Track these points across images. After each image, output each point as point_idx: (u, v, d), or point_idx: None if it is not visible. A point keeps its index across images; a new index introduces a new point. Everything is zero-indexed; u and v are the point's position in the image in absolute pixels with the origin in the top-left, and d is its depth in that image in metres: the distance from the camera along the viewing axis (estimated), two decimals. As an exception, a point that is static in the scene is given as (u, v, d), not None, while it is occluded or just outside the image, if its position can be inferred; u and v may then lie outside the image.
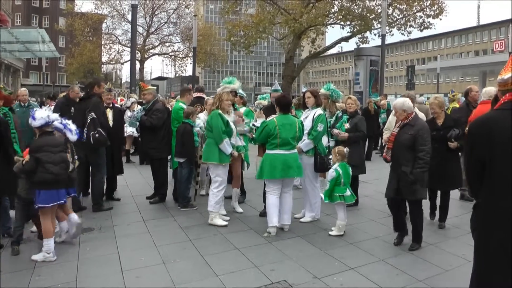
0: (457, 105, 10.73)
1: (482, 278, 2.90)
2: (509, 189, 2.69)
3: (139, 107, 9.13)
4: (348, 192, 6.20)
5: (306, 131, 6.68)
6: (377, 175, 9.51)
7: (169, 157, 8.18)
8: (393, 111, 6.01)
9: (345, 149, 6.39)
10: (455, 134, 6.38)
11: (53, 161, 5.15)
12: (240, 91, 8.13)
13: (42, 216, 5.18)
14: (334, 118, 7.74)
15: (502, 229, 2.72)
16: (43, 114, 5.29)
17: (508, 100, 2.84)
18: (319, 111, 6.75)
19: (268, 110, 7.34)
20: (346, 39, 28.66)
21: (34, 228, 5.97)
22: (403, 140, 5.48)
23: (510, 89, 2.91)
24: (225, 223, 6.63)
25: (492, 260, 2.80)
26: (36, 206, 5.12)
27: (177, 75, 57.21)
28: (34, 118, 5.25)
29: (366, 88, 20.89)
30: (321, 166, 6.61)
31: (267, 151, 6.28)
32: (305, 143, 6.66)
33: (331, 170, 6.20)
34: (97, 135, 7.06)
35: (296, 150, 6.37)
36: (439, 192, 6.83)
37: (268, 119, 6.42)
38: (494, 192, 2.78)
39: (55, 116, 5.52)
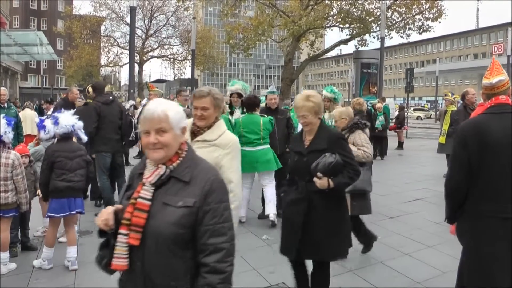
0: (455, 108, 10.77)
1: (472, 282, 2.92)
2: (499, 192, 2.70)
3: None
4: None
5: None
6: (375, 177, 9.46)
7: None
8: None
9: None
10: (323, 165, 3.45)
11: (69, 168, 4.99)
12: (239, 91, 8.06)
13: (50, 224, 5.12)
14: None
15: (493, 232, 2.73)
16: (67, 121, 5.07)
17: (496, 104, 2.88)
18: None
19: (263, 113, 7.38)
20: (345, 41, 28.72)
21: (38, 233, 5.98)
22: (163, 226, 1.98)
23: (497, 93, 2.95)
24: None
25: (482, 264, 2.81)
26: (46, 216, 5.04)
27: (176, 77, 57.38)
28: (57, 124, 5.05)
29: (357, 90, 20.94)
30: None
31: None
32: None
33: None
34: None
35: (265, 146, 6.76)
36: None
37: (235, 119, 6.97)
38: (483, 196, 2.79)
39: (80, 124, 5.26)
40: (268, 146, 6.84)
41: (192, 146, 2.50)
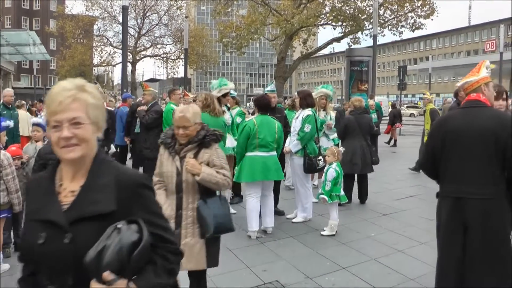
0: (434, 107, 10.70)
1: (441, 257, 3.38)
2: (454, 174, 3.20)
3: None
4: (342, 192, 6.27)
5: (295, 132, 6.70)
6: (370, 175, 9.53)
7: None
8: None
9: (341, 149, 6.46)
10: (116, 254, 1.44)
11: None
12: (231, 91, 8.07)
13: None
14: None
15: (448, 210, 3.22)
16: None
17: (467, 100, 3.34)
18: (307, 111, 6.73)
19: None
20: (337, 39, 28.79)
21: None
22: None
23: (468, 93, 3.35)
24: None
25: (441, 238, 3.33)
26: None
27: (169, 77, 57.22)
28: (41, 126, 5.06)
29: (347, 88, 20.93)
30: (309, 167, 6.60)
31: (247, 154, 6.05)
32: (293, 143, 6.69)
33: (331, 169, 6.19)
34: None
35: (275, 153, 6.18)
36: None
37: (247, 119, 6.47)
38: (444, 178, 3.30)
39: None
40: (275, 153, 6.23)
41: None
